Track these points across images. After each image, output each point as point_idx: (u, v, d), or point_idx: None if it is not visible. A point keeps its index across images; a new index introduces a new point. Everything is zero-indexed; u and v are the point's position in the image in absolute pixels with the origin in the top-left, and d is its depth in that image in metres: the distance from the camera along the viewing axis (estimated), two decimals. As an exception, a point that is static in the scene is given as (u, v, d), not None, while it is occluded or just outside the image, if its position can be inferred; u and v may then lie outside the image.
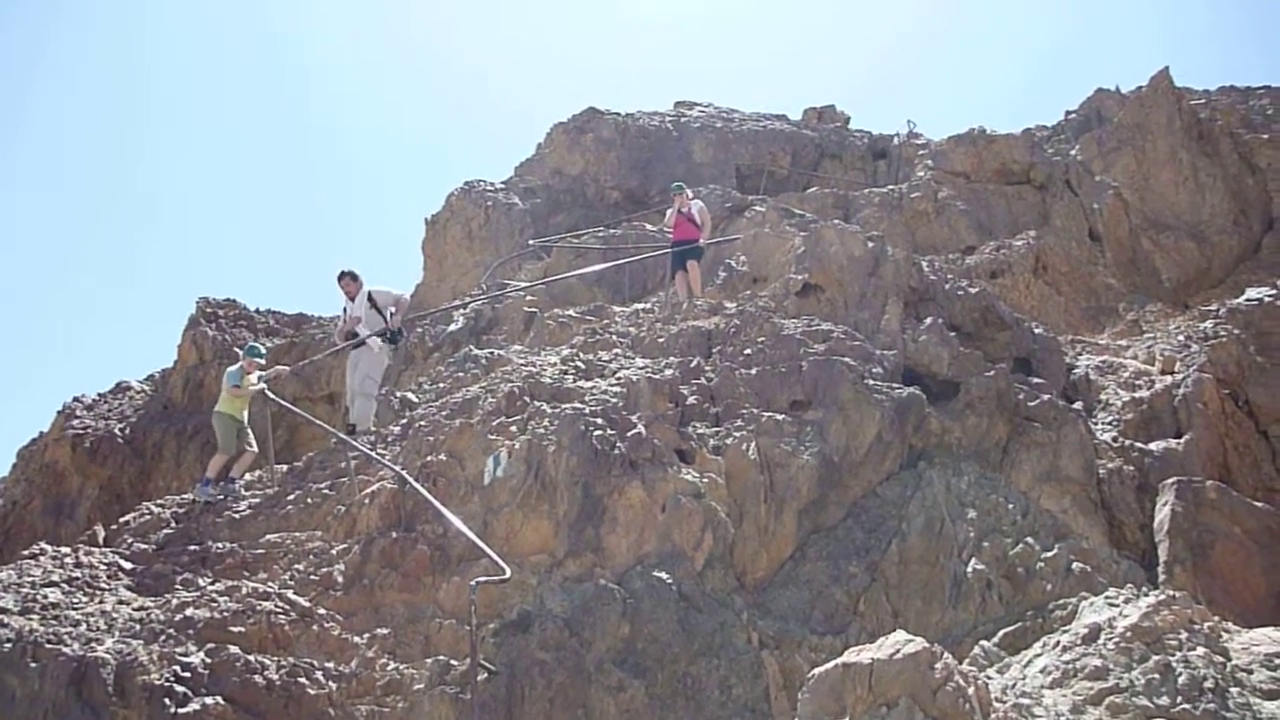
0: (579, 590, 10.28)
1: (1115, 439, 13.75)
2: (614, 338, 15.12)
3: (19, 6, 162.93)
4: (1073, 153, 24.65)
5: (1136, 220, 22.45)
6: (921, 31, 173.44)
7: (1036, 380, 14.42)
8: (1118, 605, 8.36)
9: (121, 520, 12.94)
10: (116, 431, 22.09)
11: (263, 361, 14.19)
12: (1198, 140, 23.90)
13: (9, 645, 8.94)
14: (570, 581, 10.42)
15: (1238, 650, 7.78)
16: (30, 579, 10.40)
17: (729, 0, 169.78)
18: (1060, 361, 15.80)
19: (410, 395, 15.40)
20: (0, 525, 21.10)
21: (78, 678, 8.74)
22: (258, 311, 25.88)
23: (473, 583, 9.59)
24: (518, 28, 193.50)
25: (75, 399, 23.76)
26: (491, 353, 15.48)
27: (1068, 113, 28.26)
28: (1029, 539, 11.68)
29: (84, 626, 9.51)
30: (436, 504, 10.84)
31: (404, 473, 11.53)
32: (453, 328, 19.02)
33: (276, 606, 9.90)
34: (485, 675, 9.31)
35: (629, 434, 11.67)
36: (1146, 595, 8.46)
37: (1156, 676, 7.36)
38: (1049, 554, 11.50)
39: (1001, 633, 10.38)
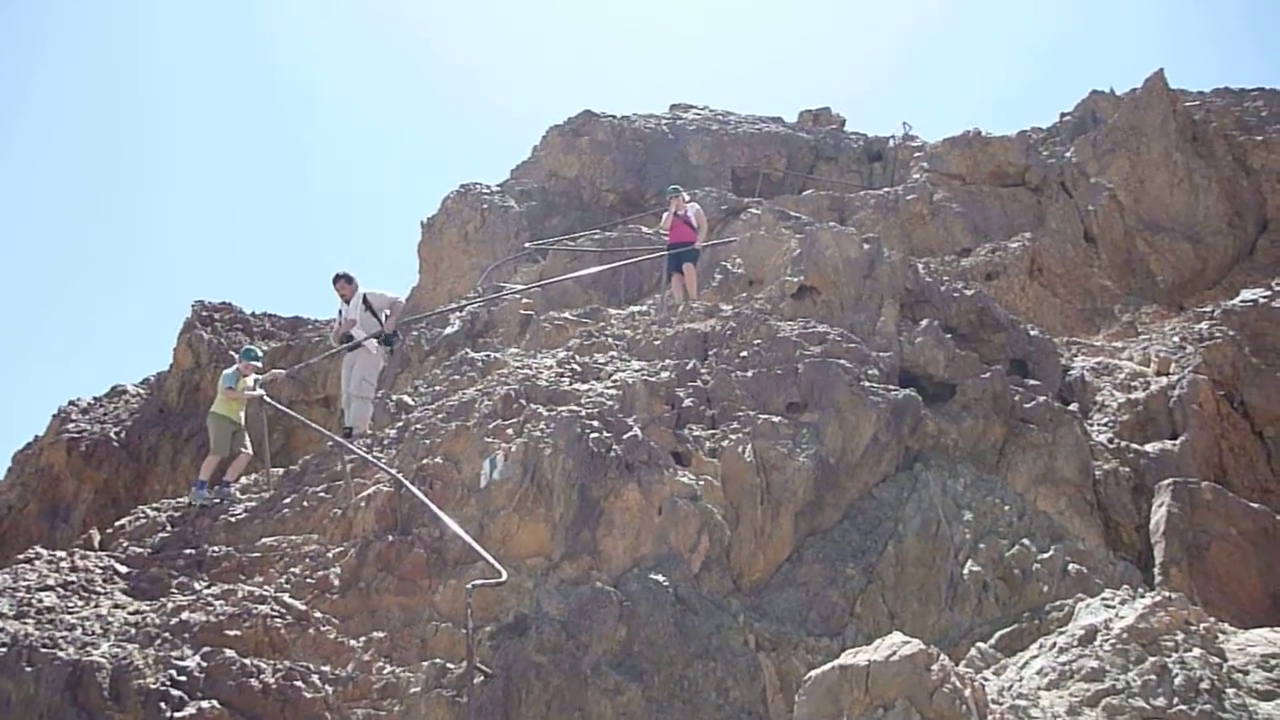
0: (575, 593, 10.27)
1: (1111, 440, 13.76)
2: (610, 340, 15.12)
3: (15, 7, 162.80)
4: (1068, 155, 24.66)
5: (1131, 222, 22.48)
6: (917, 33, 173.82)
7: (1032, 382, 14.44)
8: (1114, 606, 8.38)
9: (117, 524, 12.94)
10: (112, 435, 22.08)
11: (259, 364, 14.18)
12: (1192, 142, 23.93)
13: (4, 650, 8.93)
14: (567, 584, 10.42)
15: (1234, 651, 7.80)
16: (25, 583, 10.39)
17: (725, 3, 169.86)
18: (1056, 363, 15.82)
19: (406, 398, 15.40)
20: (-5, 529, 21.06)
21: (73, 682, 8.73)
22: (253, 315, 25.88)
23: (469, 586, 9.58)
24: (514, 30, 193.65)
25: (71, 403, 23.76)
26: (488, 355, 15.48)
27: (1062, 115, 28.26)
28: (1025, 540, 11.69)
29: (79, 630, 9.50)
30: (433, 507, 10.83)
31: (400, 476, 11.52)
32: (449, 330, 19.01)
33: (272, 610, 9.90)
34: (482, 678, 9.29)
35: (625, 436, 11.66)
36: (1142, 596, 8.48)
37: (1153, 677, 7.37)
38: (1045, 555, 11.50)
39: (998, 634, 10.38)
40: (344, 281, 14.97)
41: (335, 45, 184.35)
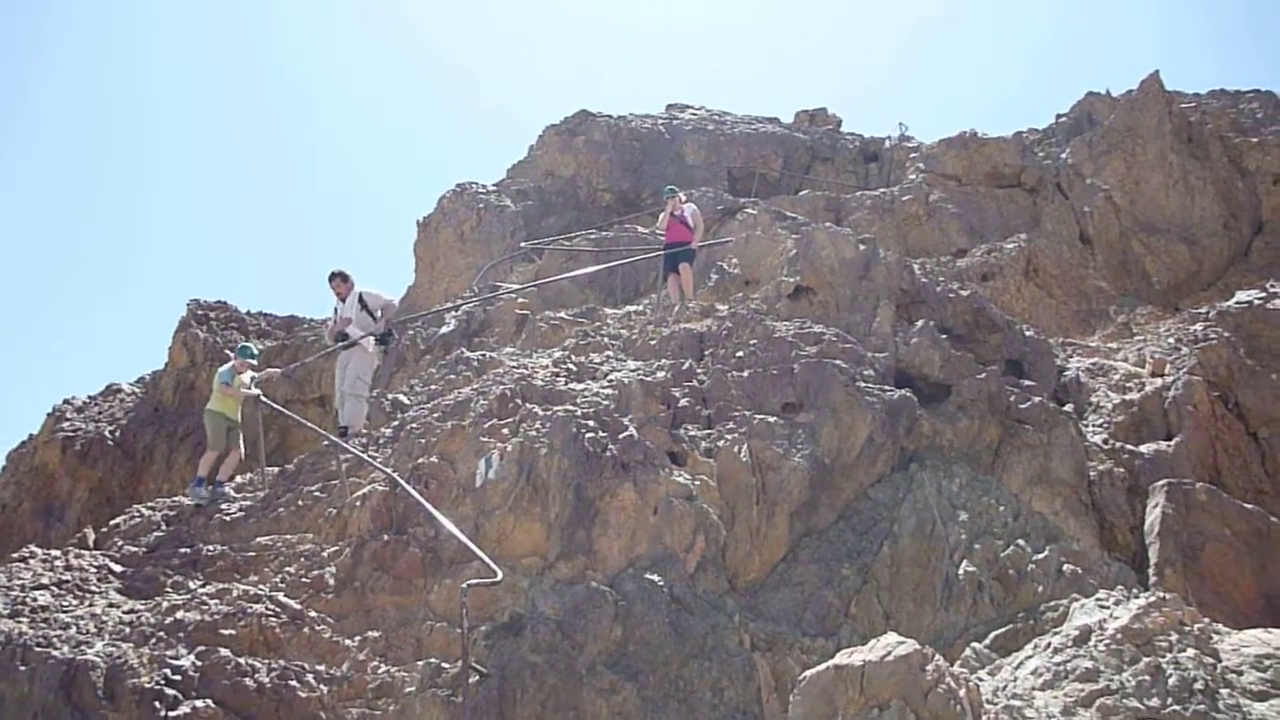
0: (571, 593, 10.27)
1: (1106, 441, 13.79)
2: (606, 340, 15.12)
3: (15, 7, 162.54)
4: (1063, 156, 24.70)
5: (1127, 223, 22.52)
6: (916, 34, 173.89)
7: (1027, 383, 14.46)
8: (1108, 607, 8.39)
9: (112, 523, 12.92)
10: (107, 434, 22.06)
11: (255, 362, 14.17)
12: (1188, 144, 23.98)
13: (-2, 648, 8.91)
14: (562, 584, 10.42)
15: (1228, 652, 7.81)
16: (20, 582, 10.38)
17: (722, 4, 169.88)
18: (1051, 364, 15.84)
19: (402, 397, 15.38)
20: (-10, 528, 21.03)
21: (67, 681, 8.71)
22: (249, 314, 25.87)
23: (464, 585, 9.58)
24: (513, 30, 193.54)
25: (65, 401, 23.75)
26: (483, 355, 15.47)
27: (1058, 116, 28.29)
28: (1020, 541, 11.69)
29: (74, 629, 9.49)
30: (428, 506, 10.83)
31: (395, 475, 11.52)
32: (444, 330, 18.99)
33: (267, 609, 9.89)
34: (477, 678, 9.29)
35: (621, 436, 11.66)
36: (1137, 597, 8.49)
37: (1147, 678, 7.38)
38: (1040, 556, 11.51)
39: (993, 635, 10.38)
40: (339, 280, 14.96)
41: (335, 45, 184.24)
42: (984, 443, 13.12)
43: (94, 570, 10.98)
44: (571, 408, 12.03)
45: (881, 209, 23.06)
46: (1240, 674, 7.53)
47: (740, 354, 13.73)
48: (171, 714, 8.55)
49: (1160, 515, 11.82)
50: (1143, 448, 13.61)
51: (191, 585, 10.62)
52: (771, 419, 12.43)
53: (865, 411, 12.57)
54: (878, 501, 12.18)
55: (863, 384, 12.96)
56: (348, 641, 9.86)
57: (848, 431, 12.46)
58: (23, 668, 8.76)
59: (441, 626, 10.01)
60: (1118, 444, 13.69)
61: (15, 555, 11.27)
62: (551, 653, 9.67)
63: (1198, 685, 7.29)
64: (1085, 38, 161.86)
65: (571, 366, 13.84)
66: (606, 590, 10.29)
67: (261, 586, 10.52)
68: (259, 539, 11.61)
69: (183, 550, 11.49)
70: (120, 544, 11.86)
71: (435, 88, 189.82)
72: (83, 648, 9.09)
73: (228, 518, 12.24)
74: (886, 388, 13.15)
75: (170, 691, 8.72)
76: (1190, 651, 7.63)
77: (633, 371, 13.48)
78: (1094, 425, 14.38)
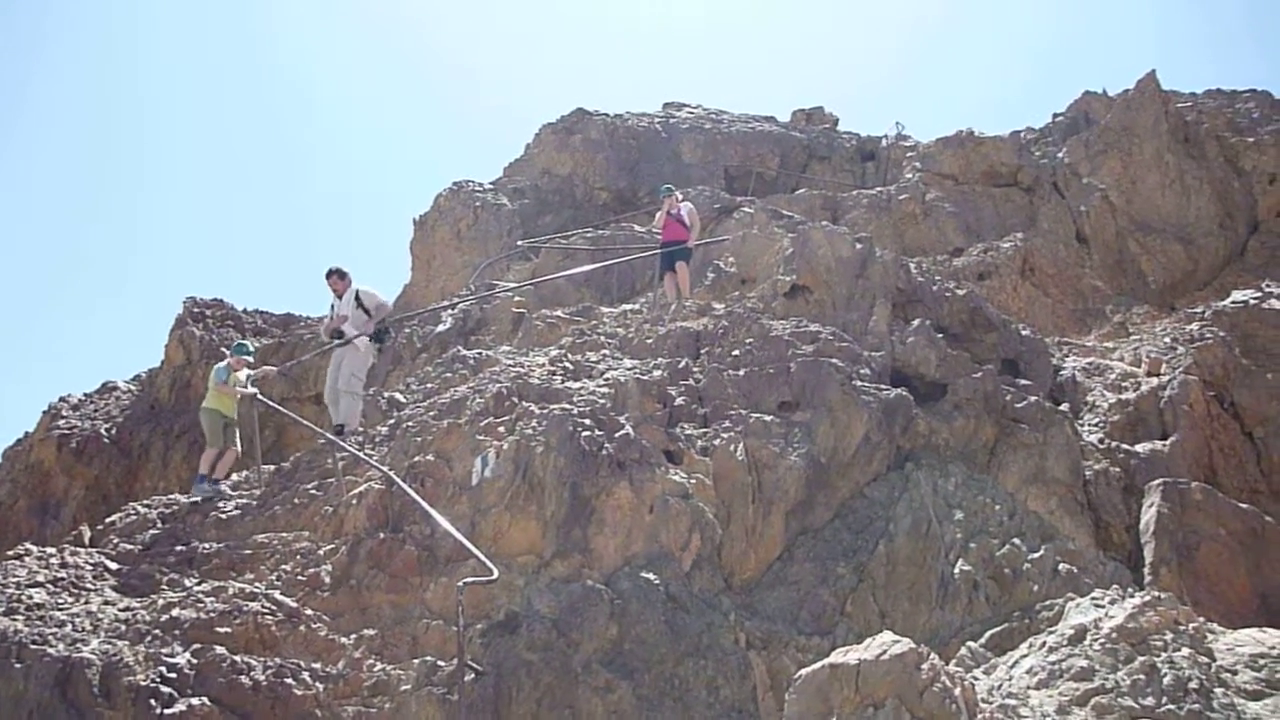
0: (566, 591, 10.28)
1: (1101, 440, 13.80)
2: (602, 339, 15.13)
3: (15, 7, 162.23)
4: (1060, 155, 24.74)
5: (1123, 223, 22.55)
6: (915, 34, 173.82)
7: (1023, 382, 14.47)
8: (1104, 606, 8.39)
9: (107, 520, 12.91)
10: (103, 432, 22.04)
11: (250, 359, 14.16)
12: (1184, 143, 24.01)
13: (-7, 646, 8.90)
14: (558, 582, 10.42)
15: (1222, 651, 7.82)
16: (15, 579, 10.36)
17: (721, 4, 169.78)
18: (1047, 363, 15.86)
19: (398, 395, 15.39)
20: (-15, 525, 21.00)
21: (63, 679, 8.70)
22: (245, 311, 25.85)
23: (460, 583, 9.57)
24: (513, 30, 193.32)
25: (61, 399, 23.71)
26: (479, 353, 15.48)
27: (1055, 115, 28.32)
28: (1016, 540, 11.71)
29: (69, 627, 9.47)
30: (424, 505, 10.83)
31: (391, 473, 11.51)
32: (441, 328, 19.01)
33: (263, 607, 9.88)
34: (472, 676, 9.29)
35: (617, 435, 11.67)
36: (1132, 596, 8.50)
37: (1142, 677, 7.39)
38: (1035, 555, 11.53)
39: (988, 633, 10.40)
40: (337, 277, 14.92)
41: (335, 45, 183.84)
42: (980, 442, 13.13)
43: (89, 568, 10.97)
44: (568, 406, 12.03)
45: (878, 208, 23.08)
46: (1235, 673, 7.55)
47: (736, 353, 13.74)
48: (167, 712, 8.55)
49: (1155, 514, 11.84)
50: (1138, 447, 13.64)
51: (187, 583, 10.61)
52: (767, 418, 12.44)
53: (861, 410, 12.58)
54: (873, 500, 12.19)
55: (859, 383, 12.97)
56: (343, 639, 9.86)
57: (844, 430, 12.46)
58: (18, 665, 8.75)
59: (437, 624, 10.01)
60: (1113, 443, 13.71)
61: (10, 553, 11.25)
62: (547, 651, 9.68)
63: (1192, 684, 7.30)
64: (1083, 38, 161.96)
65: (568, 365, 13.84)
66: (602, 589, 10.30)
67: (257, 584, 10.52)
68: (255, 537, 11.61)
69: (178, 548, 11.48)
70: (116, 542, 11.85)
71: (435, 88, 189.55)
72: (78, 645, 9.08)
73: (223, 515, 12.23)
74: (882, 387, 13.16)
75: (166, 689, 8.71)
76: (1185, 651, 7.64)
77: (629, 370, 13.49)
78: (1090, 424, 14.40)
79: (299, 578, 10.69)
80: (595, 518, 10.96)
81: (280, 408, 14.86)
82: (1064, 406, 14.12)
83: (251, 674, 9.05)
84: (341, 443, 12.86)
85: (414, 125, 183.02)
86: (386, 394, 15.64)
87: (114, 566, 11.10)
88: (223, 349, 21.33)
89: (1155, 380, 14.99)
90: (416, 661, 9.58)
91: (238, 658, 9.16)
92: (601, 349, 14.65)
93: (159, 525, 12.27)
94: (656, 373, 13.32)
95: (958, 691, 7.02)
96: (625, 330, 15.50)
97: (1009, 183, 24.07)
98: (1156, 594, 8.47)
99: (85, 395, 24.17)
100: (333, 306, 15.07)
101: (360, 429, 14.09)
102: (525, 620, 9.94)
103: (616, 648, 9.97)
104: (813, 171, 28.57)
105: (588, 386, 12.92)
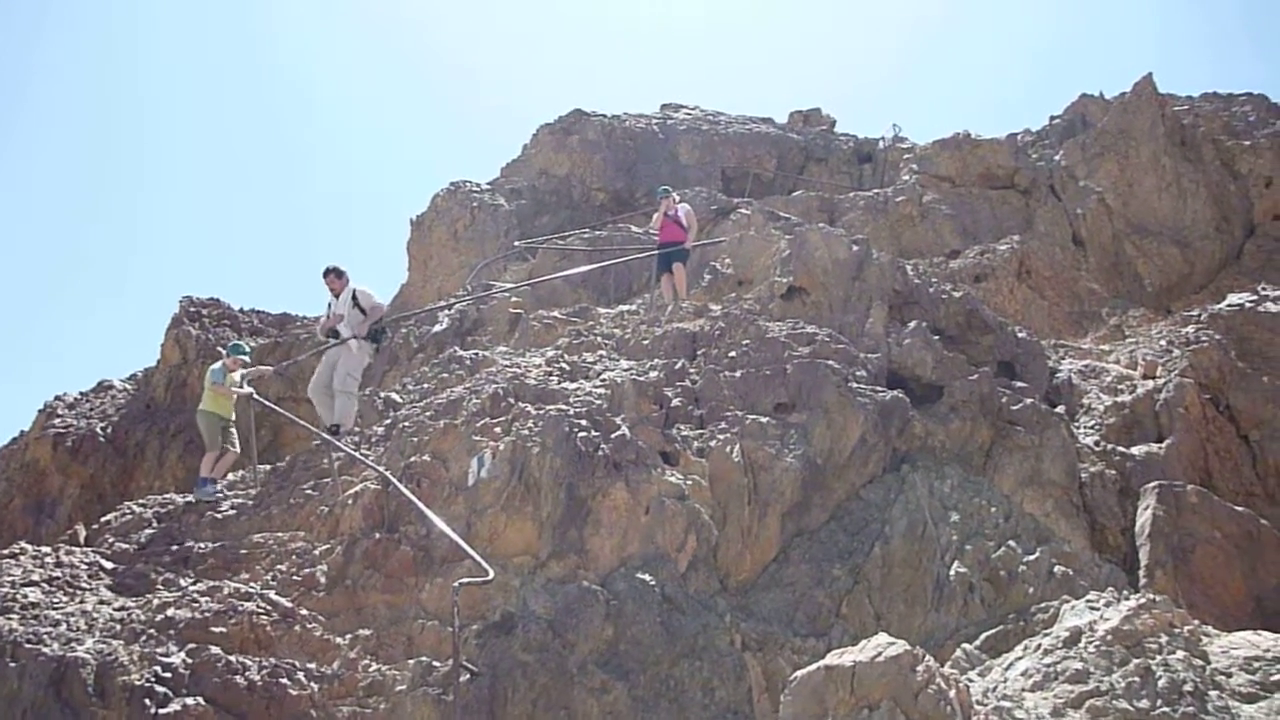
0: (562, 592, 10.28)
1: (1097, 443, 13.82)
2: (599, 339, 15.13)
3: (15, 7, 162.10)
4: (1056, 158, 24.76)
5: (1119, 225, 22.57)
6: (911, 35, 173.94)
7: (1019, 384, 14.48)
8: (1099, 609, 8.41)
9: (103, 520, 12.88)
10: (98, 431, 21.98)
11: (246, 359, 14.13)
12: (1180, 146, 24.03)
13: (-12, 645, 8.88)
14: (553, 583, 10.42)
15: (1217, 654, 7.84)
16: (10, 578, 10.34)
17: (721, 4, 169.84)
18: (1043, 365, 15.87)
19: (394, 396, 15.37)
20: (-20, 524, 20.95)
21: (57, 678, 8.69)
22: (241, 311, 25.78)
23: (456, 584, 9.58)
24: (512, 30, 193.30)
25: (57, 398, 23.63)
26: (476, 354, 15.46)
27: (1051, 118, 28.32)
28: (1011, 542, 11.72)
29: (64, 626, 9.46)
30: (420, 505, 10.82)
31: (387, 473, 11.51)
32: (437, 329, 18.99)
33: (258, 607, 9.87)
34: (468, 676, 9.29)
35: (613, 436, 11.67)
36: (1127, 599, 8.51)
37: (1136, 679, 7.41)
38: (1031, 557, 11.54)
39: (983, 636, 10.42)
40: (334, 276, 14.89)
41: (334, 45, 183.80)
42: (976, 444, 13.14)
43: (85, 567, 10.96)
44: (564, 407, 12.03)
45: (875, 210, 23.10)
46: (1229, 676, 7.56)
47: (733, 354, 13.74)
48: (162, 711, 8.54)
49: (1151, 517, 11.86)
50: (1134, 450, 13.65)
51: (182, 583, 10.60)
52: (764, 419, 12.44)
53: (857, 412, 12.58)
54: (869, 502, 12.20)
55: (855, 385, 12.98)
56: (339, 640, 9.85)
57: (840, 432, 12.47)
58: (12, 665, 8.74)
59: (433, 625, 10.01)
60: (1109, 446, 13.73)
61: (5, 552, 11.22)
62: (543, 652, 9.67)
63: (1187, 687, 7.32)
64: (1082, 40, 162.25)
65: (564, 366, 13.85)
66: (598, 589, 10.30)
67: (253, 584, 10.51)
68: (250, 536, 11.59)
69: (174, 547, 11.47)
70: (111, 541, 11.83)
71: (434, 88, 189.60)
72: (73, 645, 9.07)
73: (219, 515, 12.22)
74: (879, 388, 13.16)
75: (160, 689, 8.70)
76: (1180, 653, 7.65)
77: (625, 371, 13.49)
78: (1085, 427, 14.42)
79: (294, 578, 10.69)
80: (591, 519, 10.96)
81: (276, 408, 14.83)
82: (1060, 409, 14.13)
83: (246, 674, 9.04)
84: (337, 443, 12.85)
85: (413, 125, 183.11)
86: (383, 394, 15.62)
87: (109, 566, 11.08)
88: (219, 348, 21.27)
89: (1151, 383, 15.00)
90: (412, 662, 9.57)
91: (233, 658, 9.15)
92: (598, 350, 14.65)
93: (154, 525, 12.25)
94: (653, 374, 13.33)
95: (953, 693, 7.03)
96: (622, 331, 15.50)
97: (1005, 185, 24.10)
98: (1151, 597, 8.49)
99: (81, 394, 24.10)
100: (330, 305, 15.05)
101: (356, 429, 14.07)
102: (521, 621, 9.94)
103: (612, 649, 9.97)
104: (810, 173, 28.58)
105: (584, 387, 12.92)
